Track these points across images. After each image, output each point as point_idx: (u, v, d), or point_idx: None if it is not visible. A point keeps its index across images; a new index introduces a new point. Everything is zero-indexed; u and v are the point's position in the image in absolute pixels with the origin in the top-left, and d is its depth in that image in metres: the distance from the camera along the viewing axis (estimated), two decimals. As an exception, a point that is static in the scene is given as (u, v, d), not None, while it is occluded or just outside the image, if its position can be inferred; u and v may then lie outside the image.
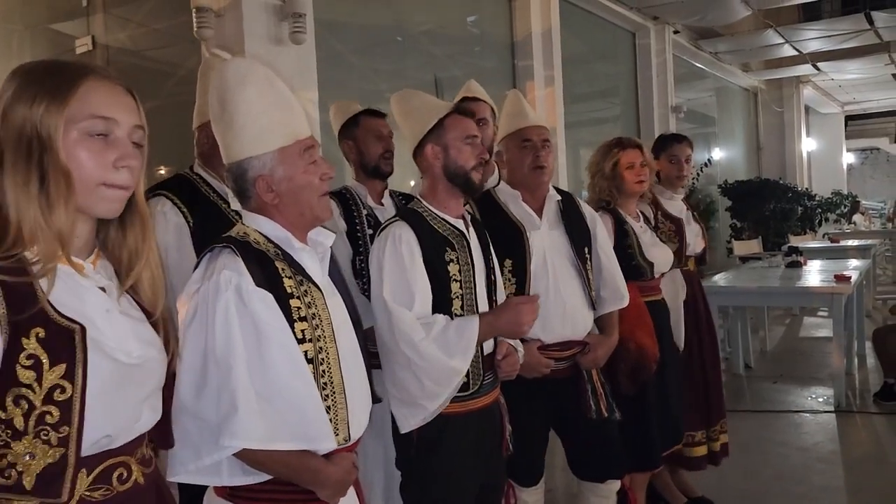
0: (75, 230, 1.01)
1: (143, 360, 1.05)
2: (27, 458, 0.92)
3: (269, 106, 1.36)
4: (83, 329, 0.97)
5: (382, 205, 2.38)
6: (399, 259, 1.80)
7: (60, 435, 0.94)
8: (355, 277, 2.28)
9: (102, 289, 1.05)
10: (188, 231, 1.87)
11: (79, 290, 1.01)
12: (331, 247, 1.47)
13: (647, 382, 2.54)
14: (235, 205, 1.94)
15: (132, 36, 4.22)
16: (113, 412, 1.01)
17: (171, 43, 3.96)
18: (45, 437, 0.93)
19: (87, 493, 0.99)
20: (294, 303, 1.31)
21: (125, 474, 1.03)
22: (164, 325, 1.12)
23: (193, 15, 3.26)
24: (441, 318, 1.81)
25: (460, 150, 1.87)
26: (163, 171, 4.11)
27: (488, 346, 1.91)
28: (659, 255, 2.75)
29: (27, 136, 0.96)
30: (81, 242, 1.05)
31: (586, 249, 2.33)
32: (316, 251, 1.42)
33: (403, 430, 1.81)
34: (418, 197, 1.96)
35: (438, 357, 1.75)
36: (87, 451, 0.98)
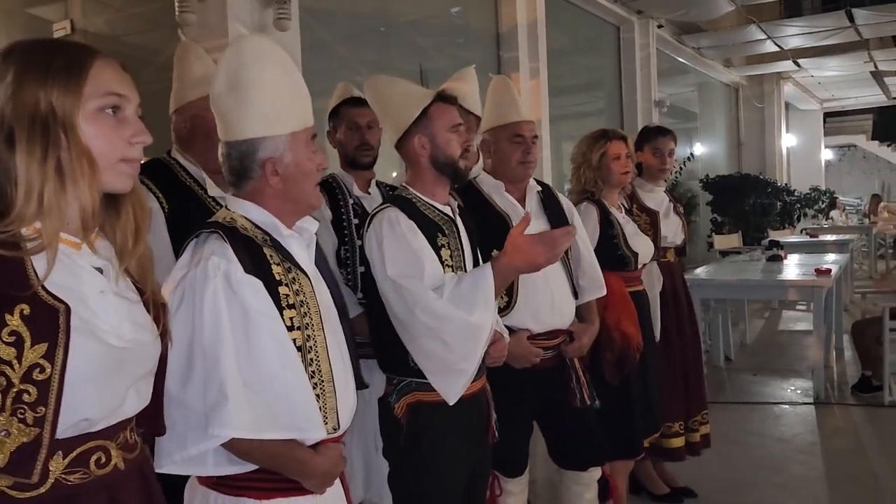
0: (75, 209, 0.99)
1: (136, 343, 1.03)
2: (3, 434, 0.90)
3: (286, 88, 1.34)
4: (68, 309, 0.94)
5: (369, 194, 2.36)
6: (399, 236, 1.77)
7: (37, 415, 0.92)
8: (340, 267, 2.25)
9: (99, 269, 1.03)
10: (163, 216, 1.84)
11: (74, 269, 1.00)
12: (315, 234, 1.44)
13: (630, 371, 2.55)
14: (213, 191, 1.92)
15: (111, 21, 4.15)
16: (97, 395, 0.98)
17: (151, 28, 3.89)
18: (21, 416, 0.91)
19: (63, 476, 0.96)
20: (282, 290, 1.28)
21: (103, 458, 1.01)
22: (156, 309, 1.10)
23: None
24: (451, 277, 1.78)
25: (448, 139, 1.84)
26: (143, 160, 4.04)
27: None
28: (642, 245, 2.77)
29: (42, 116, 0.96)
30: (82, 220, 1.03)
31: None
32: (302, 237, 1.40)
33: (451, 400, 1.75)
34: (404, 185, 1.93)
35: (457, 315, 1.71)
36: (64, 433, 0.96)
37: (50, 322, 0.93)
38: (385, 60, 4.91)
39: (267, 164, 1.32)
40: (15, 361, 0.90)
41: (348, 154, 2.34)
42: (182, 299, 1.23)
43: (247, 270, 1.25)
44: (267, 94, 1.31)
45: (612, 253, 2.61)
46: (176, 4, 3.20)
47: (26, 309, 0.91)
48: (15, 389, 0.91)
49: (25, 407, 0.91)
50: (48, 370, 0.92)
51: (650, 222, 3.05)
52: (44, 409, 0.92)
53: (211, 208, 1.81)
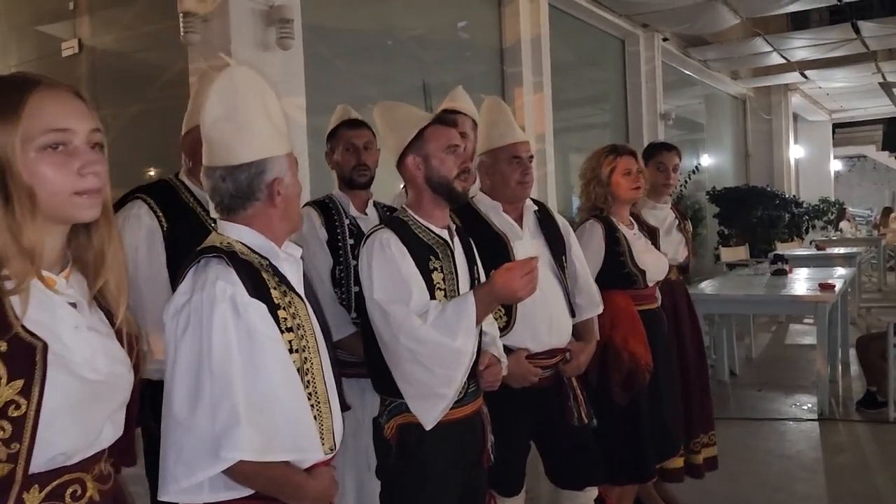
0: (45, 245, 1.00)
1: (111, 376, 1.04)
2: None
3: (276, 114, 1.39)
4: (45, 346, 0.95)
5: (366, 214, 2.38)
6: (389, 260, 1.80)
7: (10, 451, 0.92)
8: (334, 287, 2.28)
9: (73, 304, 1.04)
10: (161, 235, 1.87)
11: (49, 306, 1.00)
12: (301, 258, 1.47)
13: (640, 392, 2.53)
14: (216, 213, 1.95)
15: (119, 39, 4.21)
16: (73, 430, 0.99)
17: (158, 46, 3.95)
18: None
19: None
20: (281, 314, 1.30)
21: (79, 491, 1.01)
22: (129, 337, 1.11)
23: (180, 20, 3.25)
24: (436, 304, 1.80)
25: (442, 160, 1.86)
26: (152, 173, 4.10)
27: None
28: (652, 261, 2.72)
29: None
30: (55, 256, 1.04)
31: (563, 258, 2.35)
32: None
33: (428, 425, 1.77)
34: (404, 207, 1.96)
35: (440, 340, 1.73)
36: (40, 467, 0.97)
37: (27, 359, 0.94)
38: (388, 76, 4.95)
39: (274, 184, 1.35)
40: None
41: (345, 174, 2.37)
42: (188, 325, 1.24)
43: (250, 294, 1.27)
44: (267, 117, 1.36)
45: (619, 271, 2.58)
46: (181, 24, 3.25)
47: (3, 346, 0.92)
48: None
49: None
50: (24, 406, 0.92)
51: (650, 240, 3.04)
52: (18, 445, 0.92)
53: (211, 229, 1.84)
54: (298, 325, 1.33)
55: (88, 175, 1.01)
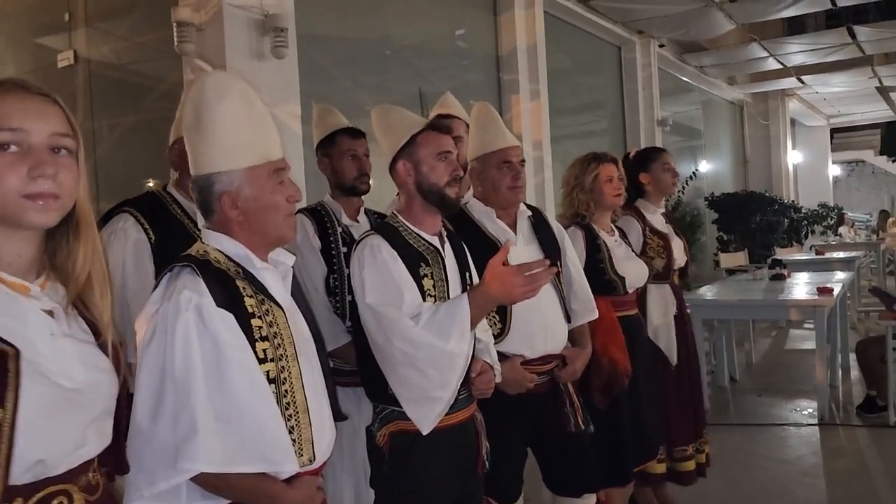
0: (4, 249, 0.98)
1: (89, 384, 1.03)
2: None
3: (244, 123, 1.35)
4: (17, 352, 0.94)
5: (358, 222, 2.37)
6: (380, 264, 1.79)
7: None
8: (329, 296, 2.27)
9: (50, 312, 1.03)
10: (149, 248, 1.86)
11: (18, 311, 0.99)
12: (292, 267, 1.46)
13: (619, 397, 2.54)
14: (202, 222, 1.95)
15: (115, 50, 4.22)
16: (49, 438, 0.98)
17: (154, 57, 3.95)
18: None
19: None
20: (255, 322, 1.29)
21: (65, 502, 1.00)
22: (114, 348, 1.10)
23: (174, 29, 3.25)
24: (428, 305, 1.78)
25: (433, 166, 1.86)
26: (151, 184, 4.10)
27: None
28: (632, 269, 2.74)
29: None
30: (24, 261, 1.02)
31: (558, 263, 2.34)
32: (277, 270, 1.42)
33: (425, 429, 1.75)
34: (394, 212, 1.95)
35: (433, 342, 1.71)
36: (20, 478, 0.95)
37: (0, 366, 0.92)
38: (384, 84, 4.95)
39: (223, 197, 1.34)
40: None
41: (346, 183, 2.35)
42: (154, 333, 1.24)
43: (219, 304, 1.26)
44: (225, 130, 1.33)
45: (599, 277, 2.60)
46: (175, 34, 3.25)
47: None
48: None
49: None
50: None
51: (663, 245, 3.02)
52: None
53: (198, 240, 1.84)
54: (276, 333, 1.32)
55: (38, 178, 0.97)
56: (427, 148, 1.87)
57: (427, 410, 1.75)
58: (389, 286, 1.78)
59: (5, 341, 0.94)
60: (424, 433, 1.76)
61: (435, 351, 1.73)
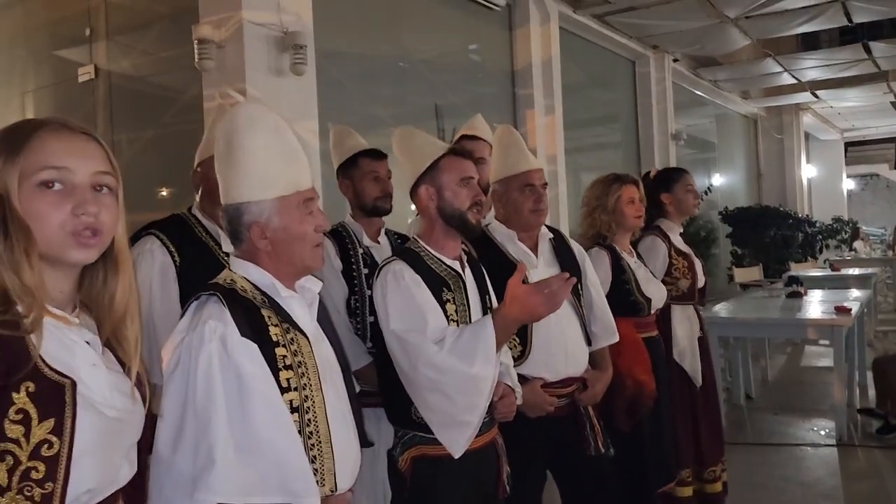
0: (48, 284, 0.99)
1: (127, 413, 1.05)
2: None
3: (275, 154, 1.37)
4: (73, 384, 0.96)
5: (379, 243, 2.37)
6: (404, 290, 1.79)
7: (44, 491, 0.92)
8: (350, 317, 2.27)
9: (87, 342, 1.05)
10: (174, 270, 1.87)
11: (68, 344, 1.01)
12: (319, 293, 1.46)
13: (641, 419, 2.52)
14: (227, 247, 1.95)
15: (134, 64, 4.26)
16: (98, 467, 0.99)
17: (173, 71, 3.98)
18: (28, 493, 0.91)
19: None
20: (280, 351, 1.30)
21: None
22: (139, 377, 1.11)
23: (195, 46, 3.28)
24: (453, 330, 1.78)
25: (455, 192, 1.86)
26: (164, 193, 4.12)
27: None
28: (655, 291, 2.74)
29: None
30: (64, 297, 1.04)
31: (579, 286, 2.33)
32: (304, 297, 1.42)
33: (457, 454, 1.75)
34: (415, 237, 1.95)
35: (458, 367, 1.71)
36: None
37: (56, 398, 0.94)
38: (400, 98, 4.97)
39: (253, 227, 1.35)
40: (22, 439, 0.91)
41: (368, 204, 2.35)
42: (178, 362, 1.25)
43: (243, 334, 1.26)
44: (255, 160, 1.35)
45: (625, 299, 2.59)
46: (195, 51, 3.28)
47: (31, 386, 0.92)
48: (22, 467, 0.91)
49: (33, 484, 0.92)
50: (56, 446, 0.93)
51: (688, 266, 3.01)
52: (52, 484, 0.93)
53: (224, 263, 1.84)
54: (300, 362, 1.32)
55: (82, 216, 0.99)
56: (450, 173, 1.87)
57: (457, 435, 1.75)
58: (413, 312, 1.78)
59: (60, 373, 0.96)
60: (456, 457, 1.76)
61: (460, 375, 1.72)
